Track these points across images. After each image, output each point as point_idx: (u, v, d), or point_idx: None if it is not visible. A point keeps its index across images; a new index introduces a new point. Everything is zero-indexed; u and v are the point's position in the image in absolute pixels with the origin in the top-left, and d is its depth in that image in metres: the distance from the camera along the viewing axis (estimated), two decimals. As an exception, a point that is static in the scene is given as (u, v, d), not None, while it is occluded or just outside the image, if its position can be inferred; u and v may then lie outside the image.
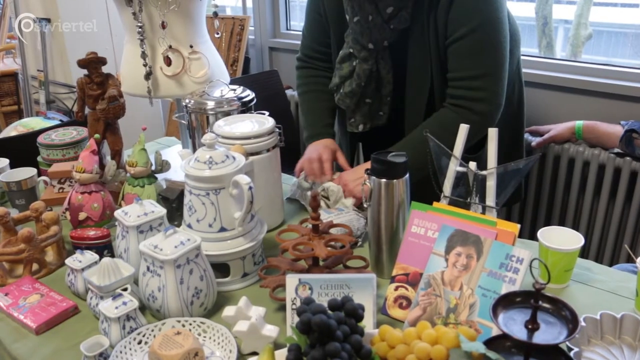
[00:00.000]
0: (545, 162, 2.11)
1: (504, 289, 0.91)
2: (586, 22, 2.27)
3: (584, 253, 2.10)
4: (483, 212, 1.10)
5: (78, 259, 1.13)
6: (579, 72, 2.15)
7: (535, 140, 2.06)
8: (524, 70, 1.61)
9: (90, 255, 1.15)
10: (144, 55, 1.49)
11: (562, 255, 1.08)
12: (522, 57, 1.58)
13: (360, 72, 1.46)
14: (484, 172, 1.09)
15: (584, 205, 2.08)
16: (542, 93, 2.20)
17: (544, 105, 2.21)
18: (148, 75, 1.52)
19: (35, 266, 1.23)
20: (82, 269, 1.12)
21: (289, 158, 1.50)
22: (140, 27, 1.46)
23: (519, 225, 1.00)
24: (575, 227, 2.11)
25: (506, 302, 0.77)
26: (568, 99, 2.16)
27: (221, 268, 1.14)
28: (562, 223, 2.15)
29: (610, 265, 1.75)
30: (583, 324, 0.94)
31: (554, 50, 2.39)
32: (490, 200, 1.09)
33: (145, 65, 1.50)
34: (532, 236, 1.29)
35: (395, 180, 1.11)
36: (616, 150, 1.94)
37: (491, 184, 1.08)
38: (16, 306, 1.10)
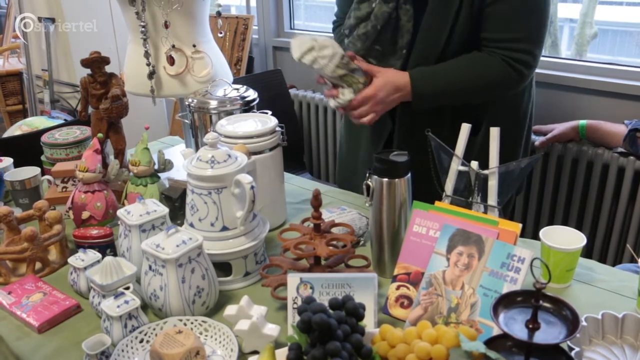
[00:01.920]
0: (549, 161, 2.10)
1: (505, 289, 0.91)
2: (591, 21, 2.26)
3: (587, 253, 2.10)
4: (485, 212, 1.10)
5: (81, 258, 1.14)
6: (584, 71, 2.14)
7: (538, 140, 2.05)
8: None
9: (93, 254, 1.15)
10: (147, 54, 1.50)
11: (563, 254, 1.07)
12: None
13: (378, 14, 1.34)
14: (485, 172, 1.09)
15: (588, 205, 2.08)
16: (547, 92, 2.19)
17: (548, 104, 2.20)
18: (151, 75, 1.52)
19: (38, 265, 1.24)
20: (85, 268, 1.12)
21: (292, 157, 1.50)
22: (143, 26, 1.47)
23: (520, 225, 0.99)
24: (579, 226, 2.10)
25: (507, 301, 0.77)
26: (572, 98, 2.15)
27: (223, 267, 1.14)
28: (565, 223, 2.15)
29: (614, 265, 1.74)
30: (584, 323, 0.94)
31: (559, 49, 2.38)
32: (492, 199, 1.09)
33: (148, 64, 1.51)
34: (536, 236, 1.29)
35: (397, 180, 1.11)
36: (620, 149, 1.93)
37: (493, 183, 1.08)
38: (19, 304, 1.11)
